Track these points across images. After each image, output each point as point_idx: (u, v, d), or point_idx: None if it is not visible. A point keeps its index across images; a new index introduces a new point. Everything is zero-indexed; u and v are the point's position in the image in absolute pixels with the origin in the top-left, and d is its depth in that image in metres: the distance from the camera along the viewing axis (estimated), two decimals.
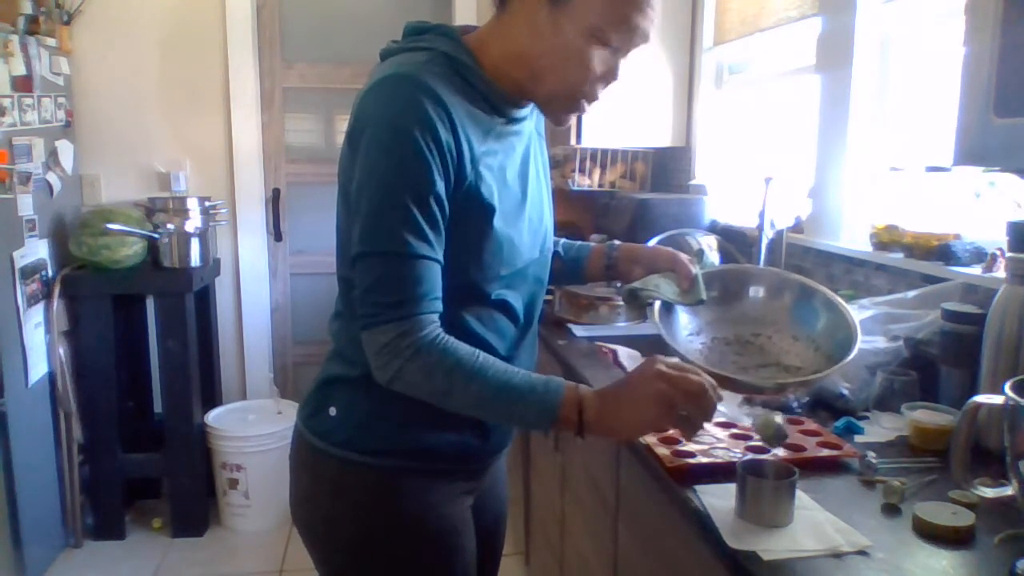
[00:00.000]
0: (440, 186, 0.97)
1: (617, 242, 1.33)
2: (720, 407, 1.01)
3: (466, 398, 1.00)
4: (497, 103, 1.05)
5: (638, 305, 1.22)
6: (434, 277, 1.00)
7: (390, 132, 0.96)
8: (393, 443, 1.11)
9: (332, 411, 1.13)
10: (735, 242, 2.37)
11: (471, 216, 1.02)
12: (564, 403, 0.99)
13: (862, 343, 1.43)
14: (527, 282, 1.15)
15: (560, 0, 0.98)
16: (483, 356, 1.01)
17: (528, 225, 1.12)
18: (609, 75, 1.04)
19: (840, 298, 1.23)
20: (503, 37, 1.05)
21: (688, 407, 0.97)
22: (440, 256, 1.00)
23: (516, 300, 1.13)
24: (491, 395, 1.00)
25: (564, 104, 1.06)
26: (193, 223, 2.89)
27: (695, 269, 1.22)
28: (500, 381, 1.00)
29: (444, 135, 0.97)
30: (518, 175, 1.10)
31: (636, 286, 1.22)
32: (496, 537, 1.38)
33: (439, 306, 1.01)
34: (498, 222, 1.04)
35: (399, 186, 0.96)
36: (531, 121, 1.16)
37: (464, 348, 1.01)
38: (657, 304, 1.21)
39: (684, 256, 1.24)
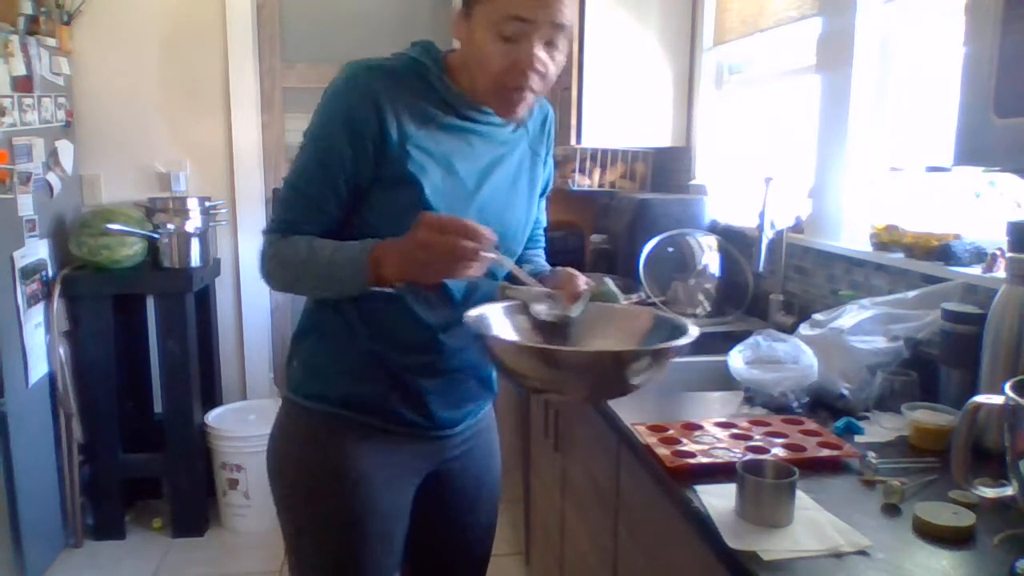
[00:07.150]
0: (347, 152, 1.14)
1: (554, 269, 1.33)
2: (719, 407, 1.01)
3: (296, 261, 1.16)
4: (453, 102, 1.19)
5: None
6: (309, 214, 1.19)
7: (324, 99, 1.18)
8: (327, 390, 1.25)
9: (295, 363, 1.31)
10: (735, 242, 2.38)
11: (399, 186, 1.16)
12: (371, 254, 1.10)
13: (862, 343, 1.45)
14: None
15: (468, 12, 1.14)
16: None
17: (477, 218, 1.16)
18: (524, 63, 1.12)
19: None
20: (459, 52, 1.21)
21: (445, 245, 1.04)
22: (330, 205, 1.18)
23: (454, 283, 1.21)
24: (323, 256, 1.13)
25: (499, 97, 1.17)
26: (193, 223, 2.89)
27: (584, 289, 1.21)
28: (332, 246, 1.14)
29: (364, 112, 1.13)
30: (476, 171, 1.22)
31: (511, 290, 1.20)
32: (476, 515, 1.44)
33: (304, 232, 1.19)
34: (429, 199, 1.15)
35: (314, 139, 1.17)
36: (519, 136, 1.28)
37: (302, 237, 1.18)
38: (508, 304, 1.20)
39: (584, 280, 1.23)
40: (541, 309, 1.20)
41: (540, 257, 1.47)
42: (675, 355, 1.09)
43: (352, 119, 1.14)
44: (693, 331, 1.12)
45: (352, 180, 1.17)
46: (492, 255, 1.07)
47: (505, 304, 1.20)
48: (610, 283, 1.26)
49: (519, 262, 1.36)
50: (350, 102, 1.15)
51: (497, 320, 1.19)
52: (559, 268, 1.30)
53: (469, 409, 1.34)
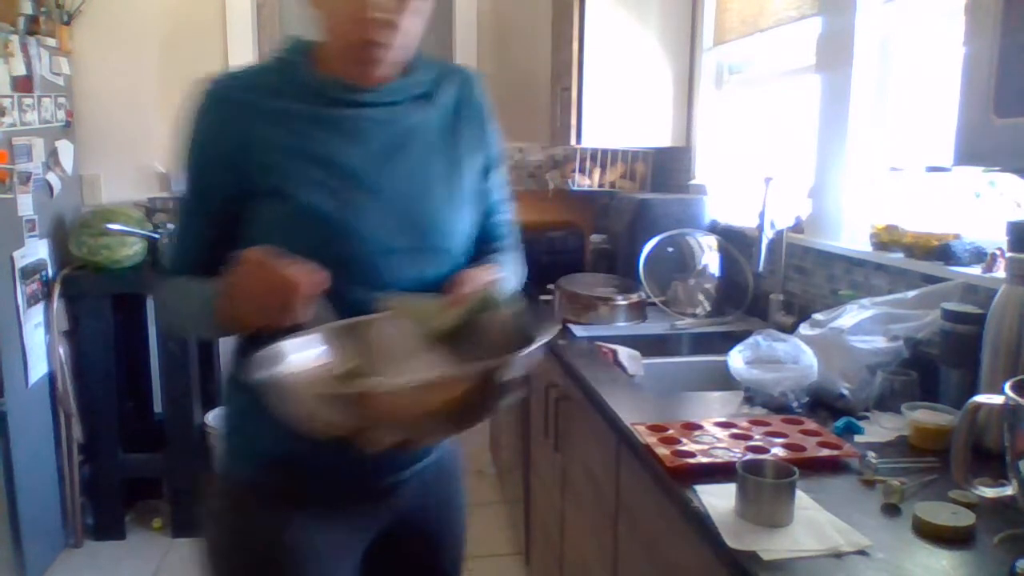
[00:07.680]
0: (210, 178, 1.12)
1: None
2: (719, 406, 1.00)
3: (174, 302, 1.16)
4: (326, 91, 1.10)
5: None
6: (194, 250, 1.15)
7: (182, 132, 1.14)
8: (253, 452, 1.15)
9: (228, 411, 1.22)
10: (735, 242, 2.38)
11: (273, 198, 1.07)
12: (221, 293, 1.03)
13: (862, 343, 1.45)
14: (380, 273, 1.08)
15: None
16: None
17: (384, 211, 1.08)
18: (361, 12, 1.02)
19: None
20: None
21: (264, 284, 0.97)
22: (212, 235, 1.13)
23: (360, 292, 1.06)
24: (192, 295, 1.11)
25: (351, 59, 1.07)
26: None
27: (467, 294, 1.05)
28: (198, 286, 1.10)
29: (213, 134, 1.10)
30: (370, 160, 1.08)
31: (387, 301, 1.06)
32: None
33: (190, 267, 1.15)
34: (311, 204, 1.05)
35: (184, 170, 1.16)
36: (425, 116, 1.14)
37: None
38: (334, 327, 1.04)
39: (470, 286, 1.07)
40: (305, 358, 1.01)
41: (506, 256, 1.23)
42: (512, 368, 0.90)
43: (204, 145, 1.10)
44: (540, 340, 0.93)
45: (225, 204, 1.10)
46: (312, 300, 0.94)
47: (328, 328, 1.02)
48: (492, 291, 1.06)
49: (477, 257, 1.18)
50: (199, 127, 1.10)
51: (303, 357, 1.00)
52: (475, 271, 1.10)
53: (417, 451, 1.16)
